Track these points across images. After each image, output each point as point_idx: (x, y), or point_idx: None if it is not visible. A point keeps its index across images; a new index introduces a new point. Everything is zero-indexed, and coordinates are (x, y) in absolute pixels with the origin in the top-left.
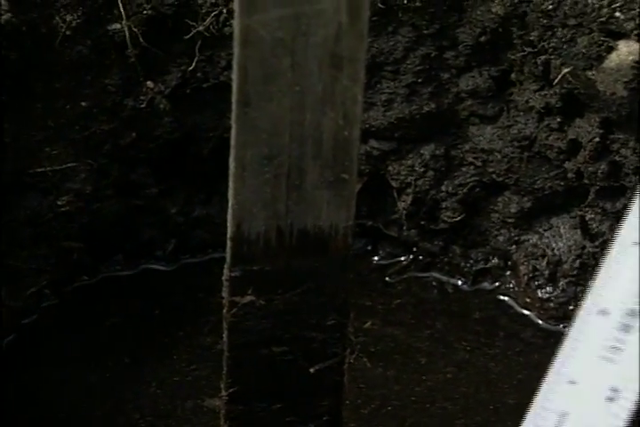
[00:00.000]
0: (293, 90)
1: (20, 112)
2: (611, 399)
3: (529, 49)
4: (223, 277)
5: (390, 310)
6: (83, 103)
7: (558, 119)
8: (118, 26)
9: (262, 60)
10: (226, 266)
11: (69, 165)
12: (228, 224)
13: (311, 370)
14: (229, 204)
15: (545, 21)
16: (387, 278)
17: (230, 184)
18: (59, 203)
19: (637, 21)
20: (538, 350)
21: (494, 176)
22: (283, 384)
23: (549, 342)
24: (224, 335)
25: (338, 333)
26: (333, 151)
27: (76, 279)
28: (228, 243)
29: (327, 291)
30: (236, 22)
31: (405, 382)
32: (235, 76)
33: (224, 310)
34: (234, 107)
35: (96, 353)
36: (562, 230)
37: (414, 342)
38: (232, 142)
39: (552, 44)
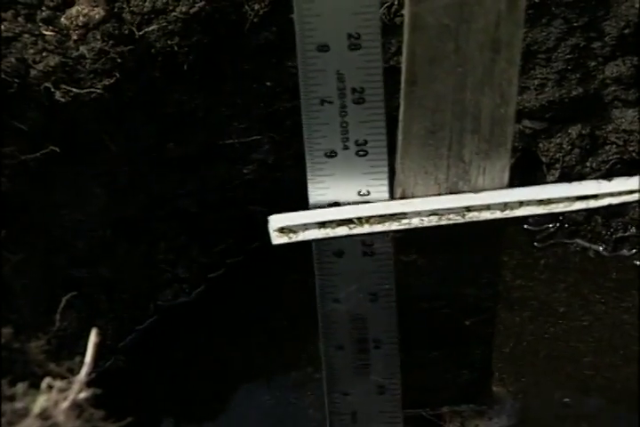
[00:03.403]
0: (456, 71)
1: (211, 90)
2: None
3: None
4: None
5: (533, 268)
6: (267, 83)
7: None
8: None
9: (429, 43)
10: None
11: (254, 137)
12: (394, 191)
13: (466, 322)
14: (396, 172)
15: None
16: (535, 243)
17: (397, 155)
18: (244, 171)
19: None
20: None
21: (634, 154)
22: (440, 335)
23: None
24: None
25: (491, 289)
26: (490, 126)
27: (259, 239)
28: None
29: (482, 252)
30: (406, 10)
31: (540, 322)
32: (404, 58)
33: None
34: (402, 86)
35: (265, 310)
36: None
37: (552, 293)
38: (400, 117)
39: None
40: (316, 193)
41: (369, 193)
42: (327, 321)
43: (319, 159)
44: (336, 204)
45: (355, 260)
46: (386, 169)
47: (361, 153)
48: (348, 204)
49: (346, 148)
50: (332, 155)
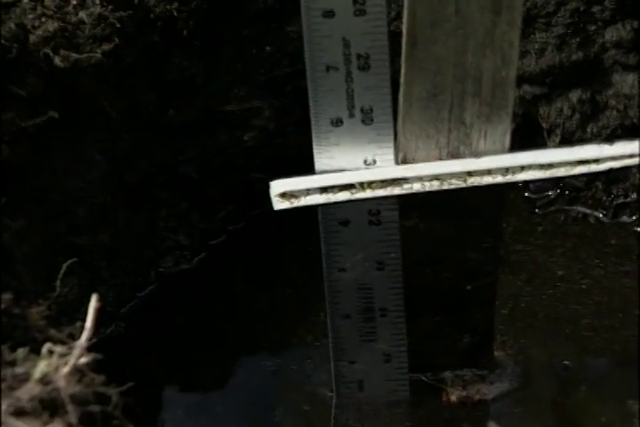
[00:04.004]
0: (457, 33)
1: (211, 56)
2: None
3: None
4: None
5: (533, 234)
6: (267, 48)
7: None
8: None
9: (429, 5)
10: None
11: (255, 104)
12: (394, 154)
13: (467, 287)
14: (397, 136)
15: None
16: (536, 210)
17: (398, 118)
18: (245, 138)
19: None
20: None
21: (635, 119)
22: (441, 300)
23: None
24: None
25: (492, 254)
26: (492, 89)
27: (259, 206)
28: None
29: (483, 217)
30: None
31: (538, 284)
32: (404, 20)
33: None
34: (403, 48)
35: (266, 277)
36: None
37: (549, 257)
38: (401, 80)
39: None
40: (321, 162)
41: (375, 162)
42: (333, 290)
43: (325, 128)
44: (342, 171)
45: (361, 229)
46: (392, 137)
47: (367, 121)
48: None
49: (352, 115)
50: (337, 123)
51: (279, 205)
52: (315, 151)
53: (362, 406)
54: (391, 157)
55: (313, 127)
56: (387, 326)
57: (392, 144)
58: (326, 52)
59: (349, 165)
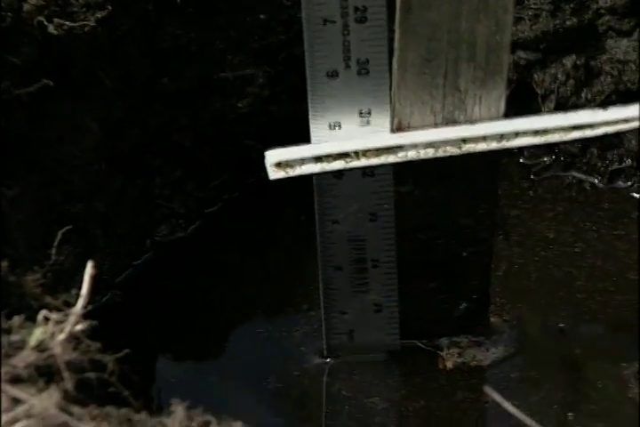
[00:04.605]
0: None
1: (205, 24)
2: None
3: None
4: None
5: (526, 199)
6: (261, 16)
7: None
8: None
9: None
10: None
11: (249, 71)
12: (390, 121)
13: (464, 253)
14: (392, 101)
15: None
16: (531, 176)
17: (393, 84)
18: (239, 105)
19: None
20: None
21: (629, 84)
22: (436, 266)
23: None
24: None
25: (488, 220)
26: (486, 54)
27: (255, 175)
28: None
29: (478, 183)
30: None
31: (529, 246)
32: None
33: None
34: (397, 13)
35: (261, 245)
36: None
37: (540, 221)
38: (395, 45)
39: None
40: (317, 114)
41: (370, 112)
42: (326, 242)
43: (321, 79)
44: (337, 124)
45: (354, 181)
46: (387, 88)
47: (363, 71)
48: (349, 124)
49: (347, 67)
50: (333, 75)
51: (274, 174)
52: (310, 104)
53: (354, 376)
54: (387, 106)
55: (308, 80)
56: (378, 277)
57: (387, 94)
58: (324, 4)
59: (344, 116)
